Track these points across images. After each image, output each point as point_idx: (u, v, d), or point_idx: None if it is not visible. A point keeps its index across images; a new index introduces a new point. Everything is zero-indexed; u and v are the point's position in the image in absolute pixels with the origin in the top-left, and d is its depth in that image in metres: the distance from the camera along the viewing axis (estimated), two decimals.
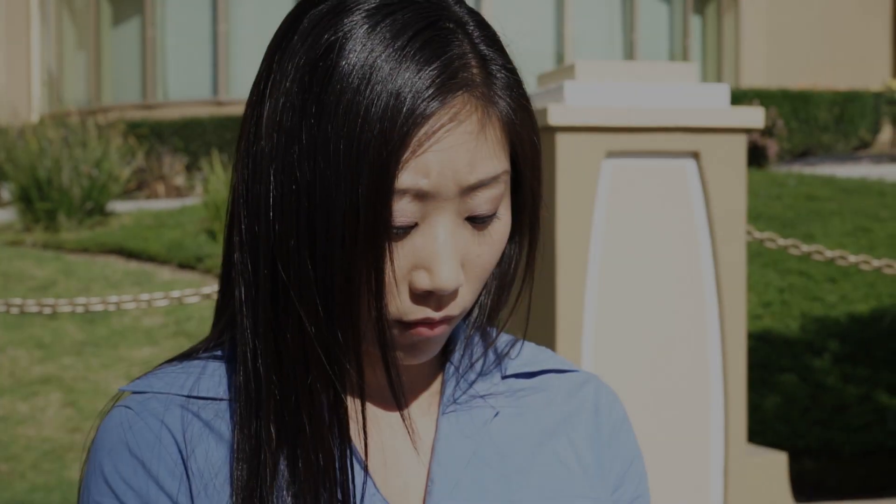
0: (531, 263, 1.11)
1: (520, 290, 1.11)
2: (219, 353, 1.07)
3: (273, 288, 0.99)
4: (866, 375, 6.81)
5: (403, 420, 1.06)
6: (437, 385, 1.11)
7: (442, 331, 1.01)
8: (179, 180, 14.62)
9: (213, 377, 1.05)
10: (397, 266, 0.97)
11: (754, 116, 3.45)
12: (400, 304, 0.98)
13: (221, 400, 1.04)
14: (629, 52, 17.57)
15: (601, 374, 3.36)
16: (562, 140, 3.29)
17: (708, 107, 3.42)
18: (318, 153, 0.94)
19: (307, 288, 0.96)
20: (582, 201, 3.32)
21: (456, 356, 1.11)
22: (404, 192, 0.94)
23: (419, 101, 0.93)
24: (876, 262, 3.78)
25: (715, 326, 3.45)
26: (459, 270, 0.99)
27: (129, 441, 1.02)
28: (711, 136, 3.41)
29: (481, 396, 1.10)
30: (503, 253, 1.09)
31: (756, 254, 8.65)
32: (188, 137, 15.68)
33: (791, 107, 16.54)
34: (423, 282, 0.97)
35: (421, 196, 0.95)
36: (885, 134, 18.86)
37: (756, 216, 9.62)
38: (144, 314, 8.39)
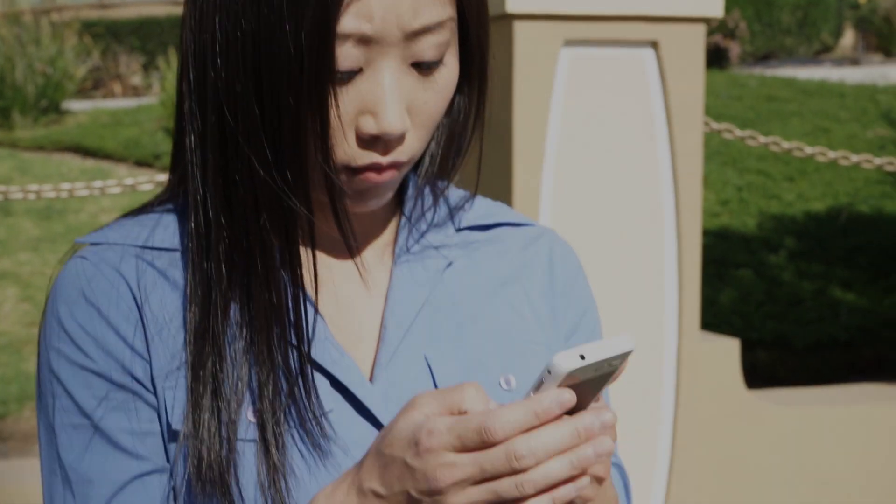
0: (480, 114, 1.11)
1: (469, 140, 1.11)
2: (171, 206, 1.07)
3: (221, 135, 0.99)
4: (821, 271, 6.91)
5: (357, 267, 1.07)
6: (390, 235, 1.11)
7: (390, 177, 1.01)
8: (136, 80, 14.45)
9: (167, 228, 1.06)
10: (343, 111, 0.97)
11: (713, 5, 3.43)
12: (347, 149, 0.98)
13: (175, 250, 1.05)
14: None
15: None
16: (519, 28, 3.26)
17: None
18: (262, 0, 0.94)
19: (255, 133, 0.96)
20: (539, 90, 3.31)
21: (408, 206, 1.11)
22: (347, 36, 0.94)
23: None
24: (832, 154, 3.80)
25: (671, 214, 3.48)
26: (405, 115, 0.99)
27: (84, 289, 1.02)
28: (670, 25, 3.39)
29: (435, 247, 1.11)
30: (452, 104, 1.09)
31: (715, 152, 8.69)
32: (145, 37, 15.47)
33: (754, 9, 16.48)
34: (370, 126, 0.97)
35: (364, 41, 0.95)
36: (847, 38, 18.86)
37: (716, 116, 9.63)
38: (101, 211, 8.34)
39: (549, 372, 0.83)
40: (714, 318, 5.92)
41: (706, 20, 3.47)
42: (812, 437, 3.86)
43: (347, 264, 1.09)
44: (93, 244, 1.06)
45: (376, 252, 1.11)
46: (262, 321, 0.99)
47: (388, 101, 0.97)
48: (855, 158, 3.78)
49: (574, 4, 3.29)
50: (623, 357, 0.86)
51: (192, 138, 1.01)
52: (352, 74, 0.96)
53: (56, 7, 16.67)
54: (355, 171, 1.00)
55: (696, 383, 3.55)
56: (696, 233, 3.51)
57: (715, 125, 3.80)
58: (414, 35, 0.96)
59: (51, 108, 11.24)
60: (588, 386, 0.86)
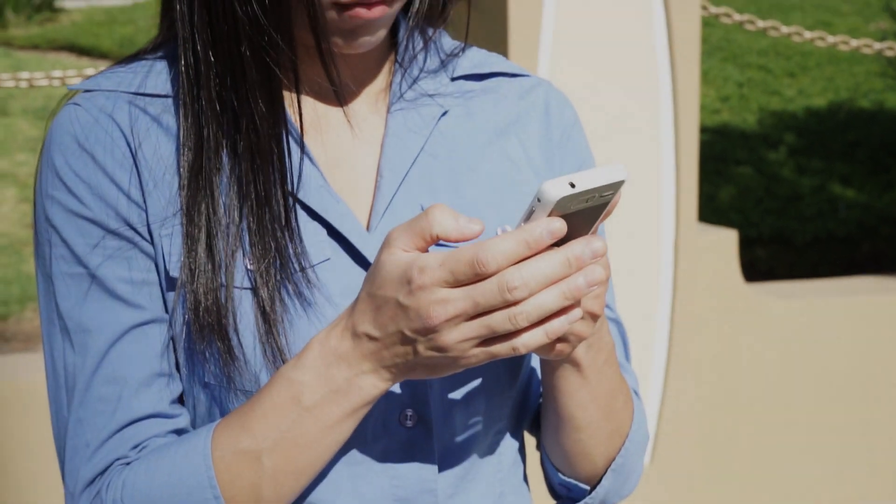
0: None
1: None
2: (162, 52, 1.07)
3: None
4: (820, 167, 6.86)
5: (345, 115, 1.06)
6: (383, 82, 1.10)
7: (380, 13, 0.98)
8: None
9: (159, 74, 1.05)
10: None
11: None
12: None
13: (168, 96, 1.04)
14: None
15: None
16: None
17: None
18: None
19: None
20: None
21: (400, 49, 1.09)
22: None
23: None
24: (832, 38, 3.74)
25: (668, 101, 3.42)
26: None
27: (78, 136, 1.02)
28: None
29: (430, 95, 1.09)
30: None
31: (716, 48, 8.59)
32: None
33: None
34: None
35: None
36: None
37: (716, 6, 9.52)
38: None
39: (538, 200, 0.81)
40: (713, 215, 5.90)
41: None
42: (810, 329, 3.85)
43: (340, 112, 1.07)
44: (86, 91, 1.05)
45: (369, 99, 1.09)
46: (248, 164, 0.99)
47: None
48: (855, 43, 3.71)
49: None
50: (615, 188, 0.84)
51: None
52: None
53: None
54: (344, 6, 0.97)
55: (694, 275, 3.53)
56: (693, 121, 3.46)
57: (713, 9, 3.73)
58: None
59: (44, 5, 11.09)
60: (580, 218, 0.84)
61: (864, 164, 6.89)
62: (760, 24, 3.63)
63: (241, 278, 0.99)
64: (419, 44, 1.10)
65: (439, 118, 1.09)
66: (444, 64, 1.12)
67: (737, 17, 3.66)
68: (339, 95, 1.05)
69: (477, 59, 1.15)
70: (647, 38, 3.39)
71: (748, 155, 7.05)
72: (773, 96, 8.02)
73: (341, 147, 1.07)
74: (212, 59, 0.99)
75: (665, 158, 3.45)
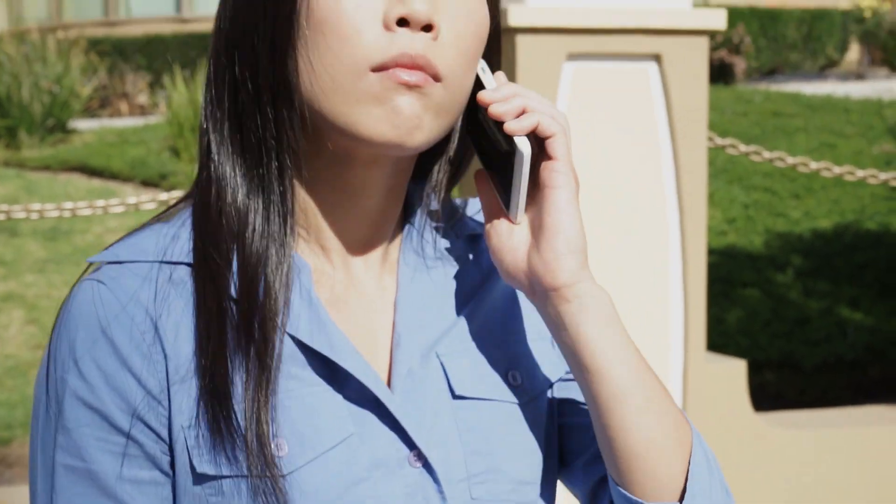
0: None
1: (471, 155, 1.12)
2: (188, 214, 1.04)
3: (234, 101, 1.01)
4: (828, 290, 6.86)
5: (357, 277, 1.07)
6: (395, 244, 1.09)
7: (421, 81, 0.97)
8: (142, 98, 14.46)
9: (185, 240, 1.02)
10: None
11: (716, 18, 3.40)
12: (371, 38, 0.96)
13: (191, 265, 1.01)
14: None
15: None
16: (522, 42, 3.23)
17: (670, 7, 3.37)
18: None
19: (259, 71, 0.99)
20: None
21: (417, 215, 1.10)
22: None
23: None
24: (837, 170, 3.76)
25: (676, 229, 3.43)
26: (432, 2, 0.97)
27: (101, 319, 0.97)
28: (673, 38, 3.36)
29: (438, 257, 1.10)
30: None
31: (721, 170, 8.65)
32: (151, 55, 15.48)
33: (759, 24, 16.48)
34: (395, 9, 0.95)
35: None
36: (853, 52, 18.83)
37: (722, 132, 9.59)
38: (107, 231, 8.32)
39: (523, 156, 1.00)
40: (720, 338, 5.87)
41: (709, 33, 3.44)
42: (820, 461, 3.81)
43: (352, 273, 1.06)
44: (109, 262, 1.01)
45: (379, 260, 1.08)
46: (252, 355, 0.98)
47: None
48: (860, 174, 3.74)
49: (577, 18, 3.26)
50: None
51: (210, 105, 1.02)
52: None
53: (62, 25, 16.73)
54: (383, 67, 0.96)
55: (703, 405, 3.51)
56: (701, 251, 3.46)
57: (719, 140, 3.76)
58: None
59: (57, 127, 11.23)
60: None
61: (871, 286, 6.88)
62: (766, 154, 3.66)
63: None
64: (431, 207, 1.11)
65: (448, 276, 1.10)
66: (450, 222, 1.12)
67: (743, 147, 3.69)
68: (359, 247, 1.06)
69: (479, 215, 1.15)
70: (655, 168, 3.41)
71: (755, 277, 7.05)
72: (778, 218, 8.06)
73: (356, 307, 1.05)
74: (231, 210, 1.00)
75: (674, 289, 3.45)
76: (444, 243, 1.10)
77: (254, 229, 0.99)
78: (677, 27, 3.34)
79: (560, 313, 1.01)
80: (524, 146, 1.00)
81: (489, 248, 1.05)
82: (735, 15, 15.60)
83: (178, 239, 1.01)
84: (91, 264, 1.03)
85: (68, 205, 3.47)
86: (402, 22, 0.95)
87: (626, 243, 3.41)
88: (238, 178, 1.00)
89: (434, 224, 1.11)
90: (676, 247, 3.44)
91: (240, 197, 0.99)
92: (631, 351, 1.03)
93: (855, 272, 7.04)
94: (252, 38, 0.98)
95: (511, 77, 3.25)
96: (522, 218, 1.04)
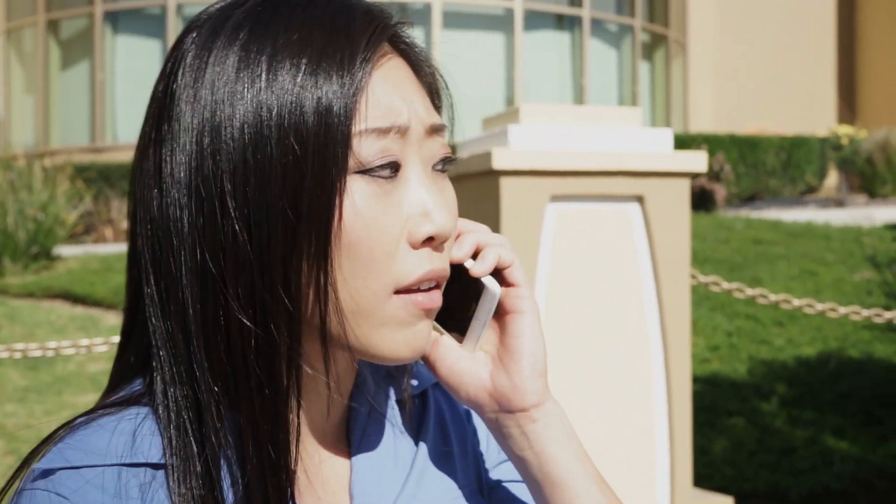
0: None
1: None
2: (147, 398, 0.97)
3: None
4: (813, 418, 6.85)
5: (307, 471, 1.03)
6: (342, 425, 1.08)
7: (438, 300, 0.99)
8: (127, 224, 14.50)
9: (152, 435, 0.95)
10: (390, 221, 0.95)
11: (697, 161, 3.46)
12: (399, 262, 0.96)
13: (158, 467, 0.94)
14: (579, 97, 17.71)
15: None
16: (506, 184, 3.28)
17: (652, 151, 3.43)
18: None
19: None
20: (527, 245, 3.32)
21: (370, 387, 1.10)
22: (385, 130, 0.96)
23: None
24: (820, 306, 3.80)
25: (660, 370, 3.45)
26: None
27: None
28: (655, 179, 3.42)
29: (385, 425, 1.10)
30: None
31: (704, 297, 8.70)
32: None
33: (739, 152, 16.72)
34: (423, 227, 0.96)
35: (401, 132, 0.97)
36: (831, 179, 19.10)
37: (704, 260, 9.68)
38: (89, 360, 8.28)
39: (492, 294, 1.03)
40: (706, 468, 5.84)
41: (690, 175, 3.50)
42: None
43: (314, 462, 1.04)
44: (64, 468, 0.91)
45: (334, 439, 1.07)
46: None
47: (434, 197, 0.97)
48: (843, 310, 3.77)
49: (560, 161, 3.32)
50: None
51: (164, 332, 0.94)
52: (391, 175, 0.95)
53: (49, 151, 16.85)
54: (406, 290, 0.96)
55: None
56: (685, 388, 3.47)
57: (702, 278, 3.80)
58: (433, 132, 0.99)
59: (41, 253, 11.25)
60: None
61: (856, 415, 6.87)
62: (749, 291, 3.70)
63: None
64: (382, 381, 1.13)
65: (396, 443, 1.10)
66: (394, 388, 1.14)
67: (725, 285, 3.73)
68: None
69: (416, 375, 1.18)
70: (639, 307, 3.44)
71: (740, 405, 7.04)
72: (762, 345, 8.08)
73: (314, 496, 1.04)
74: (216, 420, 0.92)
75: (659, 426, 3.45)
76: (390, 411, 1.11)
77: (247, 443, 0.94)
78: (659, 169, 3.40)
79: (526, 433, 1.04)
80: (494, 286, 1.04)
81: (439, 377, 1.06)
82: (715, 143, 15.86)
83: (146, 432, 0.94)
84: (30, 464, 0.93)
85: (52, 343, 3.47)
86: (429, 239, 0.97)
87: (610, 379, 3.42)
88: (218, 395, 0.93)
89: (376, 380, 1.12)
90: (661, 384, 3.45)
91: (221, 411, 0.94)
92: (590, 464, 1.07)
93: (839, 401, 7.04)
94: (262, 255, 0.91)
95: (496, 218, 3.29)
96: (477, 346, 1.07)
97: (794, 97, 21.77)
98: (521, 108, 3.44)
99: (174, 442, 0.93)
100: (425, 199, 0.96)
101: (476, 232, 1.06)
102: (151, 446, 0.93)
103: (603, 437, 3.39)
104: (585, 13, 17.81)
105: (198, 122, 0.92)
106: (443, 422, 1.16)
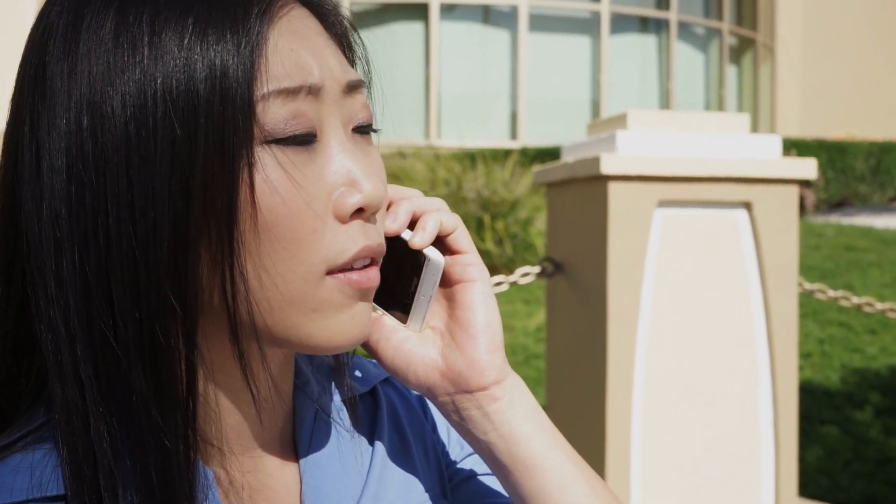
0: None
1: None
2: (42, 433, 0.85)
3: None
4: None
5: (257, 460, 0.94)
6: (287, 432, 0.98)
7: (375, 277, 0.88)
8: None
9: (45, 469, 0.83)
10: (313, 189, 0.84)
11: (807, 167, 3.44)
12: (329, 238, 0.84)
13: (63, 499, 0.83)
14: (665, 101, 17.60)
15: (652, 424, 3.34)
16: (614, 189, 3.29)
17: (760, 157, 3.41)
18: None
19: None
20: (634, 250, 3.32)
21: (314, 388, 1.00)
22: (296, 90, 0.84)
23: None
24: None
25: (766, 378, 3.43)
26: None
27: None
28: (764, 186, 3.40)
29: (332, 426, 1.00)
30: None
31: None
32: None
33: (827, 157, 16.51)
34: (351, 198, 0.85)
35: (314, 92, 0.85)
36: None
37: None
38: None
39: (434, 266, 0.93)
40: (801, 479, 5.79)
41: (799, 181, 3.48)
42: None
43: (257, 471, 0.94)
44: None
45: (278, 444, 0.96)
46: None
47: (360, 164, 0.86)
48: None
49: (668, 167, 3.32)
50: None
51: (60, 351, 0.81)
52: (307, 142, 0.84)
53: None
54: (339, 269, 0.86)
55: None
56: (792, 398, 3.45)
57: (808, 286, 3.77)
58: (350, 90, 0.87)
59: None
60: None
61: None
62: (855, 300, 3.67)
63: None
64: (325, 378, 1.02)
65: (346, 444, 1.00)
66: (337, 386, 1.03)
67: (831, 293, 3.70)
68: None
69: (360, 370, 1.07)
70: (746, 314, 3.42)
71: (833, 414, 6.96)
72: (855, 353, 7.98)
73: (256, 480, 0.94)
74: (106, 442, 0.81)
75: (764, 435, 3.43)
76: (335, 410, 1.01)
77: (147, 453, 0.81)
78: (768, 176, 3.38)
79: (488, 413, 0.94)
80: (437, 256, 0.94)
81: (383, 362, 0.96)
82: (803, 148, 15.67)
83: (44, 467, 0.83)
84: None
85: None
86: (358, 211, 0.86)
87: (716, 386, 3.40)
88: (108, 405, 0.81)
89: (318, 376, 1.02)
90: (767, 391, 3.43)
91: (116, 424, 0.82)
92: (562, 439, 0.97)
93: None
94: (147, 249, 0.79)
95: (603, 223, 3.30)
96: (424, 324, 0.97)
97: (883, 101, 21.44)
98: (629, 113, 3.44)
99: (68, 475, 0.81)
100: (350, 167, 0.85)
101: (409, 198, 0.95)
102: (58, 478, 0.82)
103: (708, 446, 3.38)
104: (672, 16, 17.69)
105: (75, 100, 0.79)
106: (397, 420, 1.05)
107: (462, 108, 16.20)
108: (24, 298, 0.84)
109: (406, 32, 16.13)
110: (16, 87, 0.84)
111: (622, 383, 3.27)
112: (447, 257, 0.95)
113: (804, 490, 5.57)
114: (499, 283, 3.72)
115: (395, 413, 1.05)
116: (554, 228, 3.81)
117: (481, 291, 0.95)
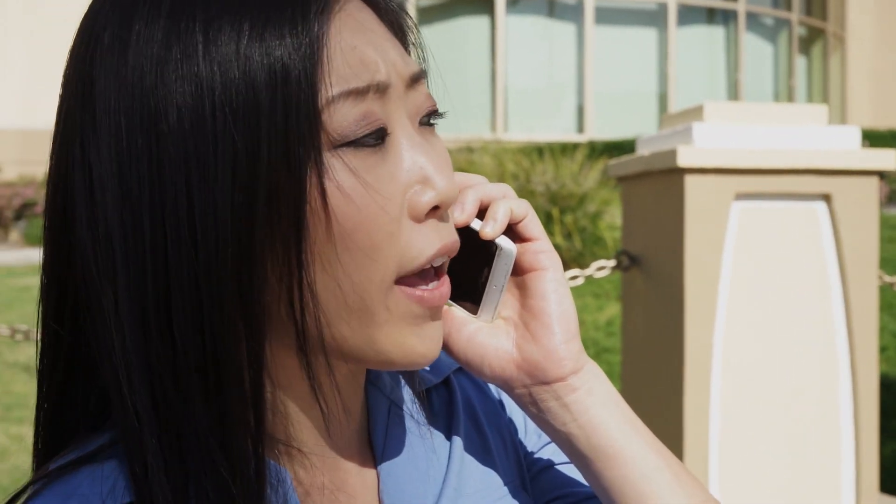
0: None
1: None
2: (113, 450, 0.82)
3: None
4: None
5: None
6: (363, 429, 0.95)
7: (447, 288, 0.86)
8: None
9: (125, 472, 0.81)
10: (388, 190, 0.81)
11: (886, 158, 3.39)
12: (402, 241, 0.81)
13: None
14: (733, 92, 17.45)
15: (729, 417, 3.31)
16: (691, 182, 3.26)
17: (838, 148, 3.37)
18: None
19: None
20: (711, 244, 3.30)
21: (385, 382, 0.98)
22: (363, 91, 0.81)
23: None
24: None
25: (846, 372, 3.39)
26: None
27: None
28: (843, 178, 3.36)
29: (408, 423, 0.98)
30: None
31: None
32: None
33: None
34: (426, 197, 0.82)
35: (380, 91, 0.82)
36: None
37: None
38: None
39: (507, 255, 0.91)
40: (880, 474, 5.71)
41: (879, 173, 3.43)
42: None
43: (334, 473, 0.92)
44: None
45: (357, 443, 0.94)
46: None
47: (432, 160, 0.83)
48: None
49: (745, 159, 3.29)
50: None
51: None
52: (378, 143, 0.80)
53: None
54: (414, 275, 0.83)
55: None
56: (872, 391, 3.41)
57: (888, 278, 3.72)
58: (413, 82, 0.84)
59: None
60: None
61: None
62: None
63: None
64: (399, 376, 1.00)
65: (423, 443, 0.97)
66: (409, 377, 1.01)
67: None
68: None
69: (435, 361, 1.04)
70: (825, 307, 3.38)
71: None
72: None
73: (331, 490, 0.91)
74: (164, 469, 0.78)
75: (844, 428, 3.40)
76: (410, 405, 0.98)
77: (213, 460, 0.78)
78: (847, 168, 3.34)
79: (566, 404, 0.91)
80: (509, 245, 0.91)
81: (455, 355, 0.93)
82: (875, 139, 15.46)
83: (116, 479, 0.80)
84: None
85: None
86: (433, 209, 0.82)
87: (795, 381, 3.37)
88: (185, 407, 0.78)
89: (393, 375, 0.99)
90: (847, 385, 3.39)
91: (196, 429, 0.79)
92: (643, 427, 0.94)
93: None
94: (210, 270, 0.75)
95: (680, 216, 3.28)
96: (495, 314, 0.94)
97: None
98: (706, 105, 3.41)
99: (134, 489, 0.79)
100: (422, 163, 0.81)
101: (475, 186, 0.92)
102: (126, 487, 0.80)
103: (787, 440, 3.35)
104: (740, 7, 17.53)
105: (127, 116, 0.75)
106: (473, 411, 1.02)
107: (528, 101, 16.18)
108: (76, 324, 0.81)
109: (472, 27, 16.13)
110: (61, 106, 0.80)
111: (700, 377, 3.25)
112: (518, 245, 0.93)
113: (881, 485, 5.50)
114: (574, 277, 3.71)
115: (471, 403, 1.03)
116: (629, 222, 3.79)
117: (554, 279, 0.92)
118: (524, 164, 10.26)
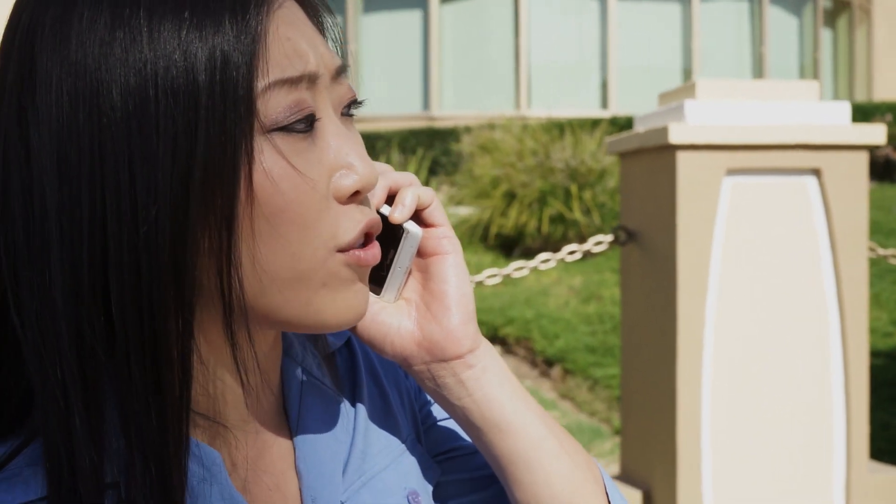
0: None
1: None
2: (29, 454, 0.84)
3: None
4: None
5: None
6: (279, 398, 0.99)
7: (377, 252, 0.91)
8: None
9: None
10: (314, 173, 0.85)
11: (875, 133, 3.45)
12: (332, 219, 0.87)
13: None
14: (758, 67, 17.39)
15: (722, 390, 3.39)
16: (682, 158, 3.34)
17: (829, 123, 3.43)
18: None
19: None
20: (702, 219, 3.37)
21: (297, 350, 1.01)
22: (297, 79, 0.85)
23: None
24: None
25: (837, 343, 3.46)
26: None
27: None
28: (833, 153, 3.43)
29: (318, 387, 1.01)
30: None
31: (886, 271, 8.51)
32: None
33: None
34: (348, 181, 0.87)
35: (311, 80, 0.87)
36: None
37: (889, 232, 9.46)
38: None
39: (412, 237, 0.96)
40: (888, 444, 5.76)
41: (869, 147, 3.49)
42: None
43: (256, 446, 0.95)
44: None
45: (274, 416, 0.98)
46: None
47: (354, 147, 0.88)
48: None
49: (736, 135, 3.36)
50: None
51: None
52: (307, 130, 0.85)
53: None
54: (346, 248, 0.88)
55: None
56: (863, 361, 3.48)
57: (881, 251, 3.78)
58: (338, 74, 0.89)
59: None
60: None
61: None
62: None
63: None
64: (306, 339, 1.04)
65: (336, 406, 1.02)
66: (317, 343, 1.05)
67: None
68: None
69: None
70: (816, 280, 3.45)
71: None
72: None
73: (265, 489, 0.95)
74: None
75: (836, 398, 3.47)
76: (317, 369, 1.02)
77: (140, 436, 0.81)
78: (837, 142, 3.41)
79: (462, 380, 0.97)
80: (416, 229, 0.97)
81: (359, 333, 0.98)
82: None
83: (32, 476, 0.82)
84: None
85: None
86: (355, 193, 0.88)
87: (786, 353, 3.45)
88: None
89: (304, 345, 1.03)
90: (838, 357, 3.46)
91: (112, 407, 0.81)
92: (532, 400, 1.01)
93: None
94: (150, 245, 0.78)
95: (672, 191, 3.35)
96: (398, 295, 0.99)
97: None
98: (698, 83, 3.49)
99: (48, 477, 0.81)
100: (347, 151, 0.87)
101: (383, 173, 0.97)
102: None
103: (780, 412, 3.42)
104: None
105: (69, 93, 0.78)
106: (373, 368, 1.07)
107: (552, 78, 16.19)
108: (2, 305, 0.83)
109: (495, 3, 16.14)
110: None
111: (692, 349, 3.33)
112: (424, 229, 0.98)
113: (891, 456, 5.55)
114: (572, 252, 3.80)
115: (371, 362, 1.07)
116: (627, 197, 3.87)
117: (455, 264, 0.98)
118: (544, 141, 10.31)
